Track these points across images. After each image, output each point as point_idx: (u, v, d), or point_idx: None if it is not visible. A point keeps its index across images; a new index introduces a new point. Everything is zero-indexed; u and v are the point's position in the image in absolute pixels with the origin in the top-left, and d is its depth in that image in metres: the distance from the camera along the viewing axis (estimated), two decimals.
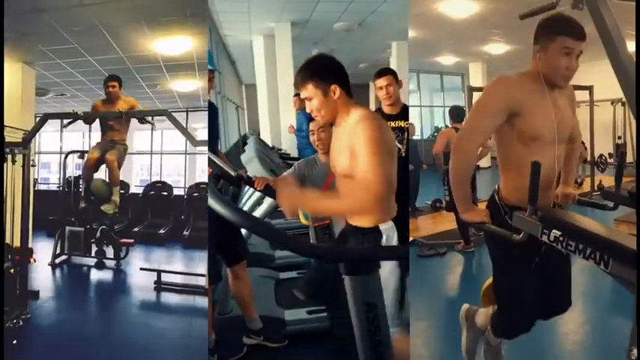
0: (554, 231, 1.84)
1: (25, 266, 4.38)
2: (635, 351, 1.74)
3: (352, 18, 7.66)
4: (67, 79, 7.73)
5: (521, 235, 1.96)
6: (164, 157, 11.55)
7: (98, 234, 6.44)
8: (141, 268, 5.67)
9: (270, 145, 7.01)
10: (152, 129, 5.14)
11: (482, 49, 11.36)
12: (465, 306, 2.74)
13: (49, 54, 6.28)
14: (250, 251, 3.59)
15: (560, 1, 2.35)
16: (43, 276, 5.80)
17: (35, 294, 4.84)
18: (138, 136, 11.14)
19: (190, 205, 9.20)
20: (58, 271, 6.21)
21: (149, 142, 11.20)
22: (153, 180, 10.87)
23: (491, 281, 2.48)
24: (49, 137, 12.09)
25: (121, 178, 9.88)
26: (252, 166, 3.77)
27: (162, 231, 8.61)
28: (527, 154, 2.04)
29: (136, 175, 12.59)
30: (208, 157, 2.82)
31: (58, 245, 6.48)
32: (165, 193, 9.80)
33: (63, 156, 7.55)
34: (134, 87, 8.15)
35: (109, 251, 6.46)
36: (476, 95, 7.88)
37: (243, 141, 5.90)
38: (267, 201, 3.53)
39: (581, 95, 9.56)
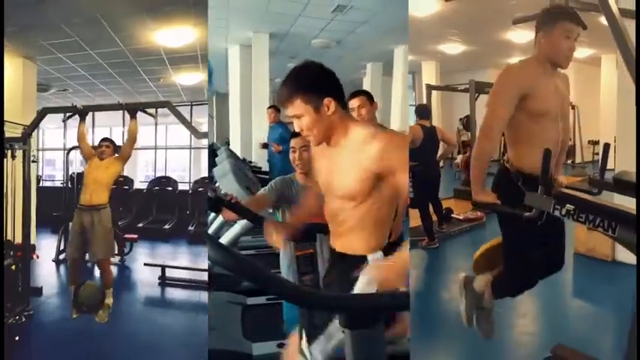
0: (567, 205, 2.08)
1: (27, 263, 4.32)
2: None
3: (331, 36, 7.64)
4: (68, 74, 7.67)
5: (532, 212, 2.15)
6: (169, 152, 11.49)
7: None
8: (145, 264, 5.61)
9: (241, 158, 6.84)
10: (155, 122, 4.92)
11: (438, 48, 11.35)
12: (462, 274, 2.96)
13: (50, 48, 6.20)
14: (214, 272, 3.34)
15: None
16: (46, 272, 5.78)
17: (38, 290, 4.80)
18: (143, 130, 11.08)
19: (196, 200, 9.16)
20: (62, 268, 6.16)
21: (153, 137, 11.10)
22: (157, 175, 10.87)
23: (484, 250, 2.87)
24: (52, 134, 12.14)
25: (125, 174, 10.01)
26: (227, 182, 3.51)
27: (167, 226, 8.60)
28: (536, 129, 2.32)
29: (141, 170, 12.53)
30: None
31: (62, 241, 6.41)
32: (170, 189, 9.80)
33: (66, 152, 7.52)
34: (137, 81, 8.10)
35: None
36: (434, 93, 8.65)
37: (211, 150, 5.76)
38: (241, 222, 3.20)
39: None
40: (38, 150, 11.95)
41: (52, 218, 7.59)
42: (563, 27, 2.29)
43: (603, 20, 2.11)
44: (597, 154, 11.29)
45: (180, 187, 9.93)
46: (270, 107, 6.77)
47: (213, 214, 3.64)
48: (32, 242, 6.64)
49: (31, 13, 4.93)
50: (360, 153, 1.80)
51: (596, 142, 12.62)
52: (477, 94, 7.93)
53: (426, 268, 5.41)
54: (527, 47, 10.55)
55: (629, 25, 2.13)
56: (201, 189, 9.15)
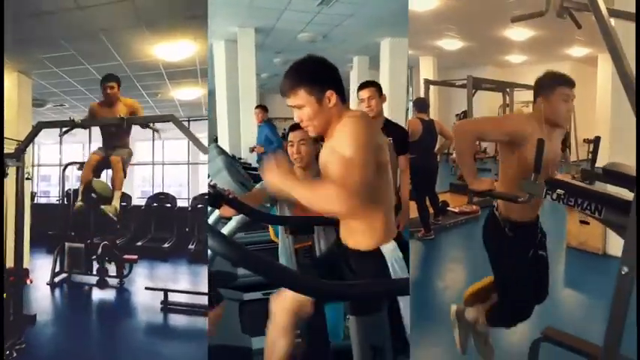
0: (558, 190, 2.26)
1: (20, 289, 4.05)
2: None
3: (317, 29, 7.59)
4: (65, 88, 7.45)
5: (527, 197, 2.32)
6: (165, 168, 11.27)
7: (99, 250, 6.09)
8: (146, 288, 5.30)
9: (230, 155, 6.75)
10: (155, 136, 4.82)
11: (436, 43, 11.37)
12: (454, 306, 3.07)
13: (46, 62, 6.00)
14: (208, 269, 3.30)
15: (548, 11, 2.63)
16: (41, 297, 5.50)
17: (31, 319, 4.48)
18: (139, 146, 10.87)
19: (195, 217, 8.91)
20: (57, 291, 5.90)
21: (150, 152, 10.93)
22: (155, 192, 10.63)
23: (475, 290, 3.00)
24: (48, 149, 11.91)
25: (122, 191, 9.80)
26: (221, 178, 3.48)
27: (166, 245, 8.32)
28: (525, 172, 2.40)
29: (138, 186, 12.28)
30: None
31: (57, 262, 6.17)
32: (168, 205, 9.53)
33: (62, 168, 7.30)
34: (135, 96, 7.84)
35: (112, 268, 6.14)
36: (432, 89, 8.65)
37: None
38: (236, 218, 3.13)
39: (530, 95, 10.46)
40: (33, 166, 11.78)
41: (47, 237, 7.35)
42: (561, 92, 2.53)
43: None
44: (592, 152, 10.88)
45: (179, 203, 9.68)
46: (257, 107, 6.75)
47: (209, 208, 3.49)
48: (25, 265, 6.47)
49: (25, 27, 4.72)
50: (338, 139, 1.85)
51: (592, 141, 12.14)
52: (474, 90, 8.07)
53: (422, 258, 5.61)
54: (525, 45, 10.55)
55: (624, 26, 2.36)
56: (200, 205, 8.91)
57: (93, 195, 4.54)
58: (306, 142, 2.79)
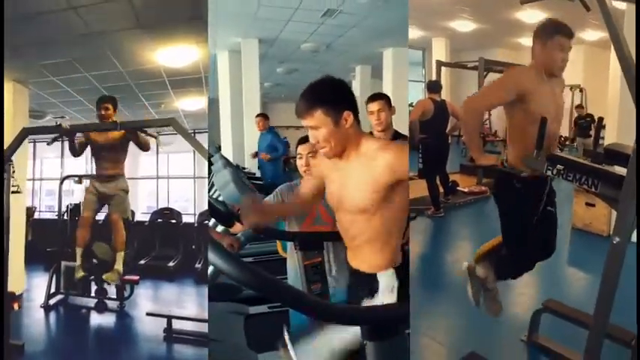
0: (558, 166, 2.39)
1: (6, 316, 3.67)
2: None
3: (320, 40, 7.71)
4: (63, 99, 7.12)
5: (529, 172, 2.52)
6: (170, 183, 10.89)
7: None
8: (148, 314, 4.83)
9: (234, 164, 6.77)
10: (157, 148, 4.50)
11: (449, 24, 11.41)
12: (465, 263, 3.22)
13: (42, 70, 5.67)
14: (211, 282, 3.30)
15: None
16: (34, 321, 5.10)
17: (19, 349, 4.07)
18: (143, 160, 10.55)
19: (202, 234, 8.45)
20: (52, 315, 5.48)
21: (154, 166, 10.58)
22: (160, 207, 10.26)
23: (485, 248, 3.17)
24: (52, 163, 11.60)
25: None
26: (229, 191, 3.35)
27: (171, 264, 7.88)
28: (533, 130, 2.52)
29: (142, 201, 11.93)
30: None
31: (53, 282, 5.75)
32: (173, 221, 9.10)
33: (59, 181, 6.97)
34: (136, 107, 7.51)
35: (111, 289, 5.65)
36: (443, 70, 8.95)
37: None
38: (244, 233, 3.08)
39: None
40: (34, 180, 11.48)
41: (45, 254, 6.97)
42: (557, 41, 2.63)
43: (614, 3, 2.22)
44: (603, 138, 11.44)
45: (185, 219, 9.29)
46: (258, 115, 6.82)
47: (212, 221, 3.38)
48: (21, 286, 6.09)
49: (19, 31, 4.40)
50: (372, 165, 1.88)
51: (603, 125, 12.60)
52: (485, 72, 8.21)
53: (432, 235, 5.96)
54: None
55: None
56: (207, 221, 8.51)
57: (94, 260, 4.40)
58: (315, 154, 2.65)
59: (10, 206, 5.73)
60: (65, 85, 6.37)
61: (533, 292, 4.08)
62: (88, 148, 4.50)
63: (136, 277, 5.83)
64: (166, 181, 10.83)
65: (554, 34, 2.64)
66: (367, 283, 2.01)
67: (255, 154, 6.85)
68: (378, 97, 3.35)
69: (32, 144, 10.40)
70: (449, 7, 9.83)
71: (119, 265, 4.25)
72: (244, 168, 7.76)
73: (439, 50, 12.87)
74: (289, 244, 3.00)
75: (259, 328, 3.25)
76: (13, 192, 4.01)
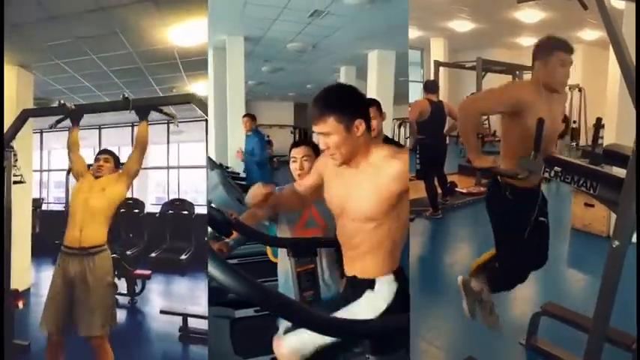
0: (555, 167, 2.44)
1: (9, 314, 3.37)
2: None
3: (307, 40, 7.68)
4: (70, 85, 6.84)
5: (526, 174, 2.46)
6: (181, 173, 10.67)
7: None
8: (161, 311, 4.43)
9: (218, 163, 6.76)
10: (175, 124, 3.88)
11: (447, 24, 11.46)
12: (460, 277, 3.19)
13: (47, 53, 5.38)
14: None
15: None
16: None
17: (24, 349, 3.75)
18: (154, 149, 10.30)
19: None
20: None
21: (164, 156, 10.37)
22: (170, 198, 10.01)
23: (479, 261, 3.19)
24: (59, 154, 11.42)
25: (135, 196, 9.14)
26: (218, 195, 3.30)
27: (183, 257, 7.61)
28: (527, 146, 2.48)
29: (152, 192, 11.69)
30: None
31: None
32: (185, 212, 8.82)
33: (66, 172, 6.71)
34: (147, 92, 7.20)
35: (122, 284, 5.39)
36: (442, 70, 8.91)
37: None
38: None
39: None
40: (42, 171, 11.27)
41: (54, 247, 6.70)
42: (558, 57, 2.61)
43: (613, 3, 2.24)
44: (602, 137, 11.82)
45: (197, 210, 9.01)
46: (245, 115, 6.76)
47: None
48: (27, 281, 5.81)
49: (23, 9, 4.10)
50: (381, 174, 1.87)
51: (602, 125, 12.87)
52: (483, 72, 8.25)
53: (430, 236, 5.91)
54: (536, 27, 10.03)
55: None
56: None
57: None
58: (309, 158, 2.77)
59: (14, 197, 5.51)
60: (71, 70, 6.07)
61: (532, 294, 4.05)
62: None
63: (148, 272, 5.56)
64: (177, 171, 10.58)
65: (554, 50, 2.64)
66: (364, 289, 1.99)
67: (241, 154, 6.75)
68: (370, 103, 3.19)
69: (39, 134, 10.18)
70: (447, 7, 9.93)
71: None
72: (227, 167, 7.67)
73: (437, 50, 12.96)
74: (281, 250, 2.91)
75: (246, 333, 3.29)
76: (15, 182, 3.66)
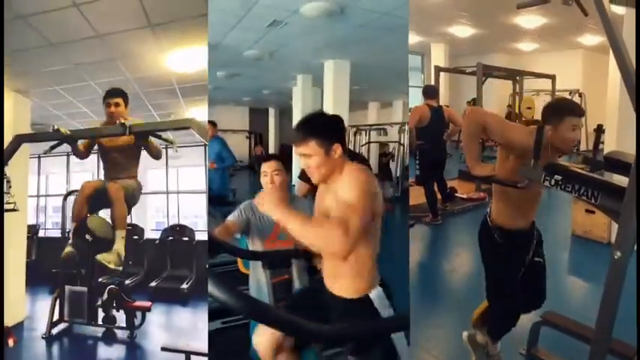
0: (556, 176, 2.36)
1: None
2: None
3: (264, 48, 7.77)
4: (67, 110, 6.78)
5: (525, 182, 2.47)
6: (180, 198, 10.54)
7: (105, 295, 5.15)
8: (162, 348, 4.15)
9: None
10: (174, 149, 3.94)
11: (447, 30, 11.63)
12: (465, 333, 3.20)
13: (44, 79, 5.33)
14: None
15: None
16: (35, 355, 4.68)
17: None
18: (152, 174, 10.22)
19: None
20: (55, 347, 5.01)
21: (163, 180, 10.25)
22: (170, 223, 9.88)
23: (480, 311, 3.13)
24: (57, 179, 11.31)
25: (134, 222, 9.02)
26: None
27: (184, 285, 7.40)
28: (516, 193, 2.59)
29: (152, 217, 11.57)
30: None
31: (57, 309, 5.29)
32: (186, 239, 8.61)
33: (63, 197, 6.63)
34: (145, 118, 7.11)
35: (120, 316, 5.24)
36: (442, 76, 9.04)
37: None
38: None
39: (544, 84, 10.79)
40: (39, 196, 11.18)
41: (50, 275, 6.59)
42: (569, 122, 2.60)
43: (613, 9, 2.24)
44: (602, 142, 12.40)
45: (198, 236, 8.89)
46: (209, 122, 6.69)
47: None
48: (22, 313, 5.69)
49: (20, 35, 4.05)
50: (341, 188, 2.07)
51: (602, 131, 13.08)
52: (484, 78, 8.31)
53: (429, 242, 5.97)
54: (536, 32, 11.90)
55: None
56: None
57: (87, 237, 3.61)
58: (280, 172, 2.96)
59: (8, 225, 5.40)
60: (69, 95, 6.03)
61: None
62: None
63: (148, 304, 5.37)
64: (176, 196, 10.47)
65: (564, 115, 2.62)
66: (360, 309, 2.16)
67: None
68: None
69: (37, 159, 10.12)
70: (447, 12, 10.01)
71: (120, 246, 3.57)
72: None
73: (438, 55, 13.14)
74: (252, 262, 3.07)
75: (218, 345, 3.35)
76: (7, 210, 3.59)
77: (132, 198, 3.81)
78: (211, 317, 3.68)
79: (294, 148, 2.17)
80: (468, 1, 9.09)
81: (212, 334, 3.54)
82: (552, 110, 2.69)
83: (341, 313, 2.20)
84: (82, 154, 3.96)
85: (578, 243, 5.74)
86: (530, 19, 10.43)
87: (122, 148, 3.82)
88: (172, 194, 10.45)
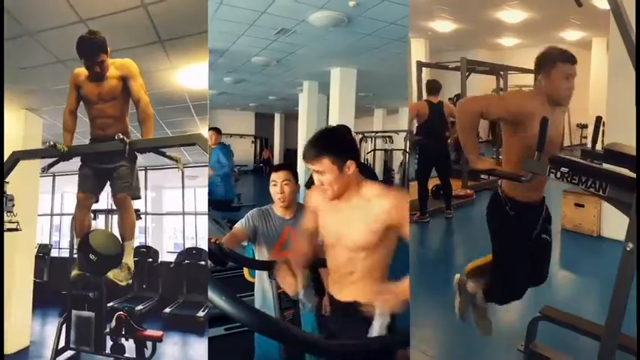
0: (562, 168, 2.41)
1: None
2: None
3: (271, 55, 7.93)
4: (79, 129, 6.75)
5: (529, 176, 2.52)
6: (198, 219, 10.45)
7: (113, 322, 4.93)
8: None
9: None
10: (180, 168, 3.71)
11: (428, 25, 11.62)
12: (457, 276, 3.30)
13: (55, 97, 5.31)
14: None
15: None
16: None
17: None
18: (168, 194, 10.20)
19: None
20: None
21: (179, 201, 10.20)
22: (187, 245, 9.80)
23: (474, 266, 3.22)
24: (72, 198, 11.35)
25: (149, 244, 8.95)
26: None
27: (201, 313, 7.10)
28: (529, 154, 2.57)
29: (168, 239, 11.51)
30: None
31: (62, 336, 5.19)
32: (202, 263, 8.34)
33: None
34: (158, 135, 7.15)
35: (130, 345, 5.00)
36: (424, 71, 8.89)
37: None
38: None
39: (527, 79, 10.66)
40: (53, 215, 11.23)
41: (61, 297, 6.50)
42: (562, 69, 2.63)
43: (595, 3, 1.78)
44: (585, 137, 13.25)
45: None
46: (211, 129, 7.10)
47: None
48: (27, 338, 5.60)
49: (28, 52, 4.02)
50: (373, 208, 2.16)
51: (585, 126, 13.96)
52: (467, 73, 8.37)
53: (417, 240, 5.98)
54: (518, 27, 12.04)
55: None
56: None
57: (91, 256, 3.21)
58: (289, 182, 3.04)
59: (14, 245, 5.34)
60: (80, 114, 6.00)
61: (526, 298, 4.10)
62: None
63: (159, 333, 5.10)
64: (193, 217, 10.40)
65: (556, 62, 2.66)
66: (358, 316, 2.17)
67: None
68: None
69: (52, 177, 10.18)
70: (428, 7, 10.13)
71: (129, 259, 3.29)
72: None
73: (418, 51, 12.89)
74: (259, 272, 3.14)
75: (219, 354, 3.43)
76: (8, 229, 3.49)
77: (135, 189, 3.51)
78: (213, 324, 3.76)
79: (305, 164, 2.21)
80: None
81: (213, 341, 3.58)
82: (544, 58, 2.72)
83: (348, 317, 2.29)
84: (71, 119, 3.71)
85: (568, 237, 5.91)
86: (512, 14, 10.60)
87: (110, 96, 3.47)
88: (189, 215, 10.40)
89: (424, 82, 7.34)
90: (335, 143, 2.19)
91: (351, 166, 2.16)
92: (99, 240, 3.36)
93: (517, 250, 2.84)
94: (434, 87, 6.55)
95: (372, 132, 15.45)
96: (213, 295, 1.31)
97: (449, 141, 7.18)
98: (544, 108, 2.64)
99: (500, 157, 3.73)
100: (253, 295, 3.22)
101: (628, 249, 2.18)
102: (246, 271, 3.58)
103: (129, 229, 3.37)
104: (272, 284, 2.68)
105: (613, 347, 2.31)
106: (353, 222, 2.20)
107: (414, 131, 6.50)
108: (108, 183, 3.51)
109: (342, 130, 2.30)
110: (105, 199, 3.90)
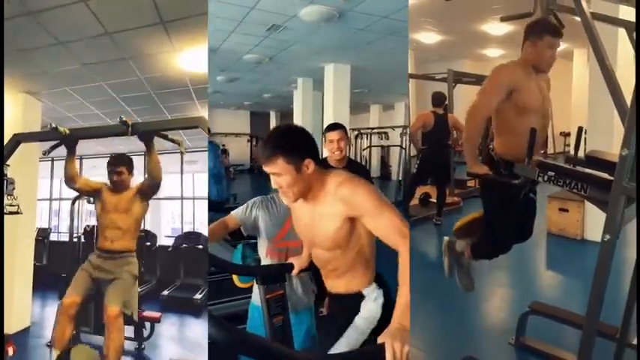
0: (549, 172, 2.68)
1: None
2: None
3: (264, 52, 8.02)
4: (79, 112, 6.80)
5: (520, 180, 2.78)
6: (196, 204, 10.51)
7: None
8: None
9: None
10: (181, 152, 3.77)
11: (413, 36, 11.77)
12: (446, 238, 3.62)
13: (55, 80, 5.33)
14: None
15: (535, 12, 3.28)
16: None
17: None
18: (166, 179, 10.23)
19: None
20: None
21: (178, 186, 10.24)
22: (185, 230, 9.86)
23: (463, 223, 3.57)
24: None
25: (147, 228, 9.01)
26: None
27: (198, 295, 7.24)
28: (520, 122, 2.92)
29: (167, 223, 11.54)
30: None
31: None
32: (200, 247, 8.49)
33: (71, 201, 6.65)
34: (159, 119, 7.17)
35: (129, 328, 4.96)
36: (412, 82, 9.82)
37: None
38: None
39: None
40: (52, 200, 11.27)
41: (60, 279, 6.58)
42: (547, 40, 2.93)
43: (577, 17, 2.70)
44: (569, 145, 14.04)
45: None
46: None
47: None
48: (27, 319, 5.69)
49: (29, 33, 4.04)
50: (333, 201, 2.04)
51: (568, 134, 14.67)
52: (454, 84, 8.51)
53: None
54: (503, 40, 12.57)
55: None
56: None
57: None
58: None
59: (15, 228, 5.42)
60: (80, 97, 6.03)
61: (515, 296, 4.46)
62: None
63: (157, 315, 5.29)
64: (192, 202, 10.46)
65: (544, 34, 2.93)
66: (350, 303, 2.18)
67: None
68: (337, 127, 3.55)
69: (50, 162, 10.20)
70: (413, 18, 10.24)
71: None
72: None
73: None
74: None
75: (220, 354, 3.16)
76: (9, 212, 3.54)
77: (131, 297, 3.48)
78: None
79: (263, 167, 2.06)
80: (434, 8, 9.38)
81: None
82: (532, 28, 3.00)
83: (339, 306, 2.30)
84: (71, 179, 3.65)
85: (553, 240, 6.21)
86: (496, 27, 10.85)
87: (125, 207, 3.57)
88: (187, 200, 10.45)
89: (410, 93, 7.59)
90: (289, 142, 2.04)
91: (309, 165, 2.02)
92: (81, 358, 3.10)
93: (508, 207, 3.07)
94: (439, 99, 6.81)
95: (368, 128, 15.46)
96: (212, 329, 1.24)
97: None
98: (530, 75, 2.96)
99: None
100: (245, 299, 3.14)
101: (605, 240, 2.39)
102: (235, 277, 3.48)
103: (114, 353, 3.16)
104: (260, 290, 2.60)
105: (593, 332, 2.51)
106: (322, 220, 2.11)
107: (420, 140, 6.73)
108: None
109: (297, 129, 2.16)
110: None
